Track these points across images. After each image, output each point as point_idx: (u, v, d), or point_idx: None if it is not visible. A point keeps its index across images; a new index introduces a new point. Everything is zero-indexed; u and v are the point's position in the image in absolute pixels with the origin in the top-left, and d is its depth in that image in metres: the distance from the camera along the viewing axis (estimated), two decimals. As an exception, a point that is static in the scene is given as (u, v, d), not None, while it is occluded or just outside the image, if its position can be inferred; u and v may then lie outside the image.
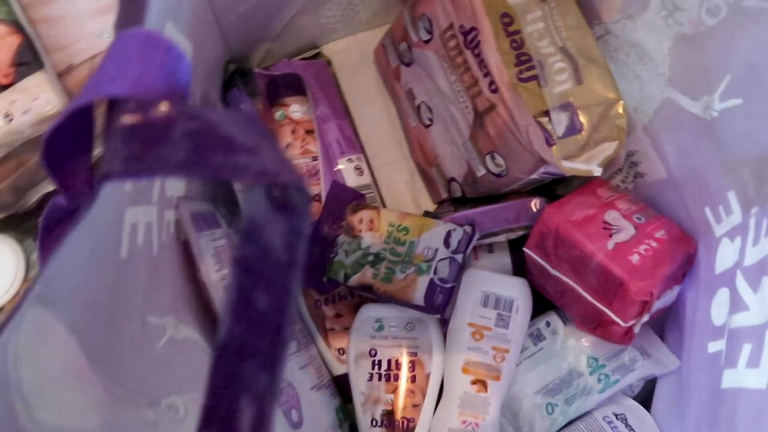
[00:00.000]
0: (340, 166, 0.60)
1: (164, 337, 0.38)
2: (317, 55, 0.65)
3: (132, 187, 0.34)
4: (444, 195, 0.60)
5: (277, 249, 0.25)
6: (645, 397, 0.55)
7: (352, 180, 0.60)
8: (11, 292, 0.59)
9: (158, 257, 0.38)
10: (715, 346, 0.45)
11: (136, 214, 0.35)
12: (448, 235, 0.54)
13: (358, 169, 0.61)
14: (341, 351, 0.58)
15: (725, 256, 0.46)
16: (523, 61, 0.49)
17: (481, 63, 0.49)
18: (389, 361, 0.55)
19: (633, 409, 0.53)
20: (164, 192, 0.40)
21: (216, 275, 0.45)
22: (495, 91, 0.49)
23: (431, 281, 0.53)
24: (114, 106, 0.23)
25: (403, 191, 0.64)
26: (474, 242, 0.54)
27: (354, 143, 0.62)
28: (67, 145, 0.26)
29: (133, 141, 0.22)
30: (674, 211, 0.52)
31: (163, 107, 0.23)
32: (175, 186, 0.44)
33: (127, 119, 0.23)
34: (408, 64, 0.58)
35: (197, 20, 0.47)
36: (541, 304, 0.56)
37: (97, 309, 0.30)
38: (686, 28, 0.45)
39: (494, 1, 0.49)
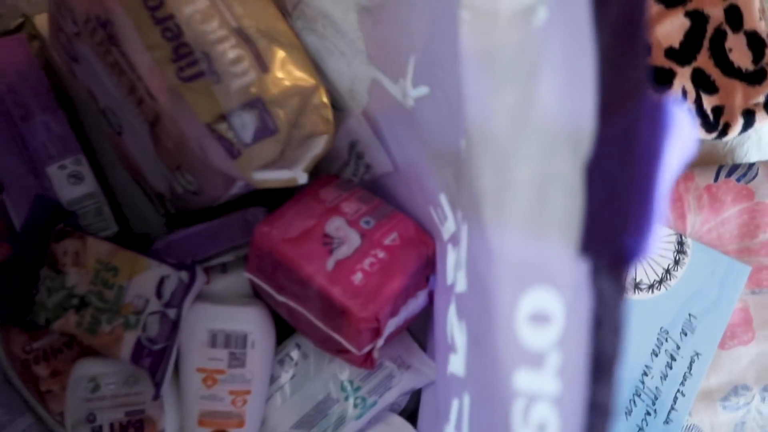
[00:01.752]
0: (48, 175, 0.48)
1: None
2: (20, 27, 0.51)
3: None
4: (161, 210, 0.50)
5: None
6: (414, 408, 0.49)
7: (66, 191, 0.48)
8: None
9: None
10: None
11: None
12: (161, 282, 0.44)
13: (74, 176, 0.48)
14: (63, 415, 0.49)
15: (450, 266, 0.39)
16: (183, 54, 0.38)
17: (131, 64, 0.38)
18: (111, 426, 0.46)
19: (400, 428, 0.48)
20: None
21: None
22: (153, 97, 0.38)
23: (138, 339, 0.44)
24: None
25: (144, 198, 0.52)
26: (194, 291, 0.45)
27: (69, 142, 0.49)
28: None
29: None
30: (409, 206, 0.44)
31: None
32: None
33: None
34: (75, 60, 0.45)
35: None
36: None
37: None
38: (363, -3, 0.36)
39: (129, -19, 0.37)
